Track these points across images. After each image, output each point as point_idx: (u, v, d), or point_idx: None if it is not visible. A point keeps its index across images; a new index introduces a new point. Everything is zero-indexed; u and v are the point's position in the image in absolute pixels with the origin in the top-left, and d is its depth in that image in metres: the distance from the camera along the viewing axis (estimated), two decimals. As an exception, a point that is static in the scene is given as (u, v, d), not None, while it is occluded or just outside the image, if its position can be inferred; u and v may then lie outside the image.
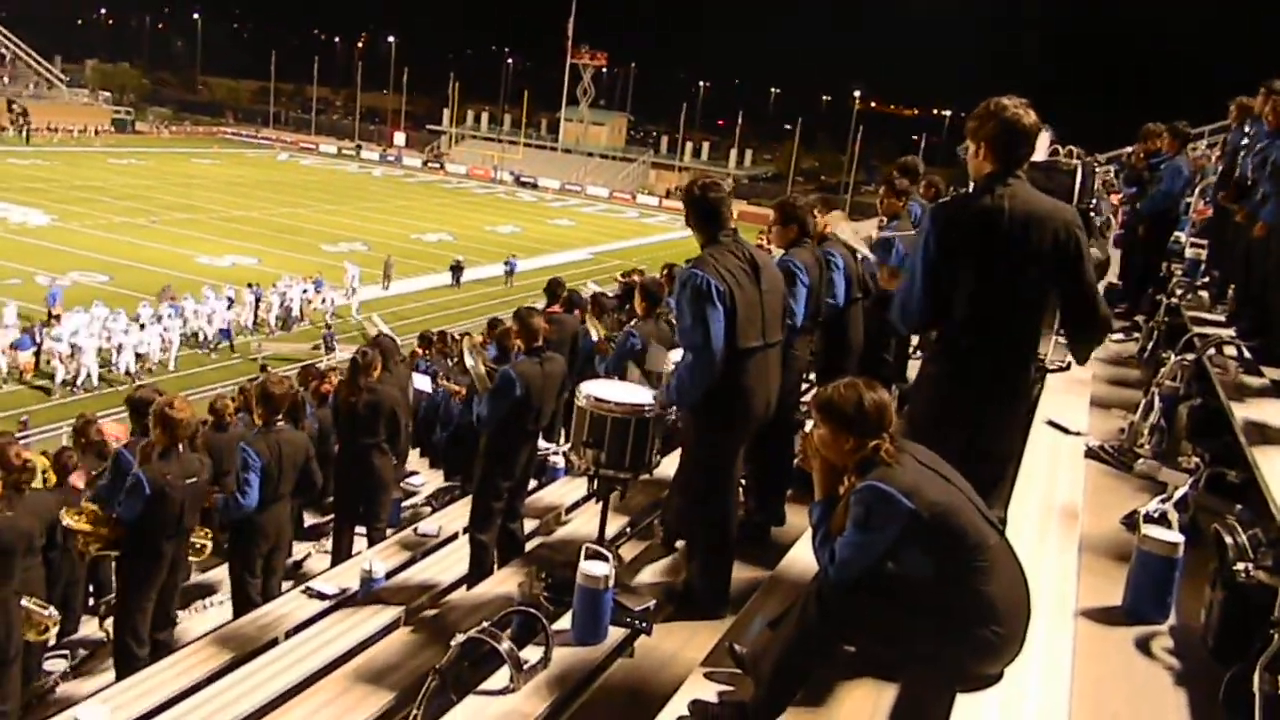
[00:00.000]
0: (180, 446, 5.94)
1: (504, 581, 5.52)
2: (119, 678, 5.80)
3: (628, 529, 6.03)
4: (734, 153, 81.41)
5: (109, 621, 6.87)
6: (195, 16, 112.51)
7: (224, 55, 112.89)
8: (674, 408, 4.54)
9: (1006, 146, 3.40)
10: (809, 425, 3.21)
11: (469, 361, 5.84)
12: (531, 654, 4.05)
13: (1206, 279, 8.55)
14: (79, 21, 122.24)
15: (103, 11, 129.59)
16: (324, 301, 30.95)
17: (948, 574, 2.83)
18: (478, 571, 5.95)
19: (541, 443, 7.26)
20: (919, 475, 2.88)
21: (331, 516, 9.54)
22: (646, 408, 4.56)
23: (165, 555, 5.96)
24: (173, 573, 6.08)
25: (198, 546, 6.41)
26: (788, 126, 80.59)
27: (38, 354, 23.43)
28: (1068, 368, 5.99)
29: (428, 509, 9.12)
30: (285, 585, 7.11)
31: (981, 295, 3.39)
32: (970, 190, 3.55)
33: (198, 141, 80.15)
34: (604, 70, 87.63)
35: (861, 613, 2.95)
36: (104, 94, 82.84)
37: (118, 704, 5.05)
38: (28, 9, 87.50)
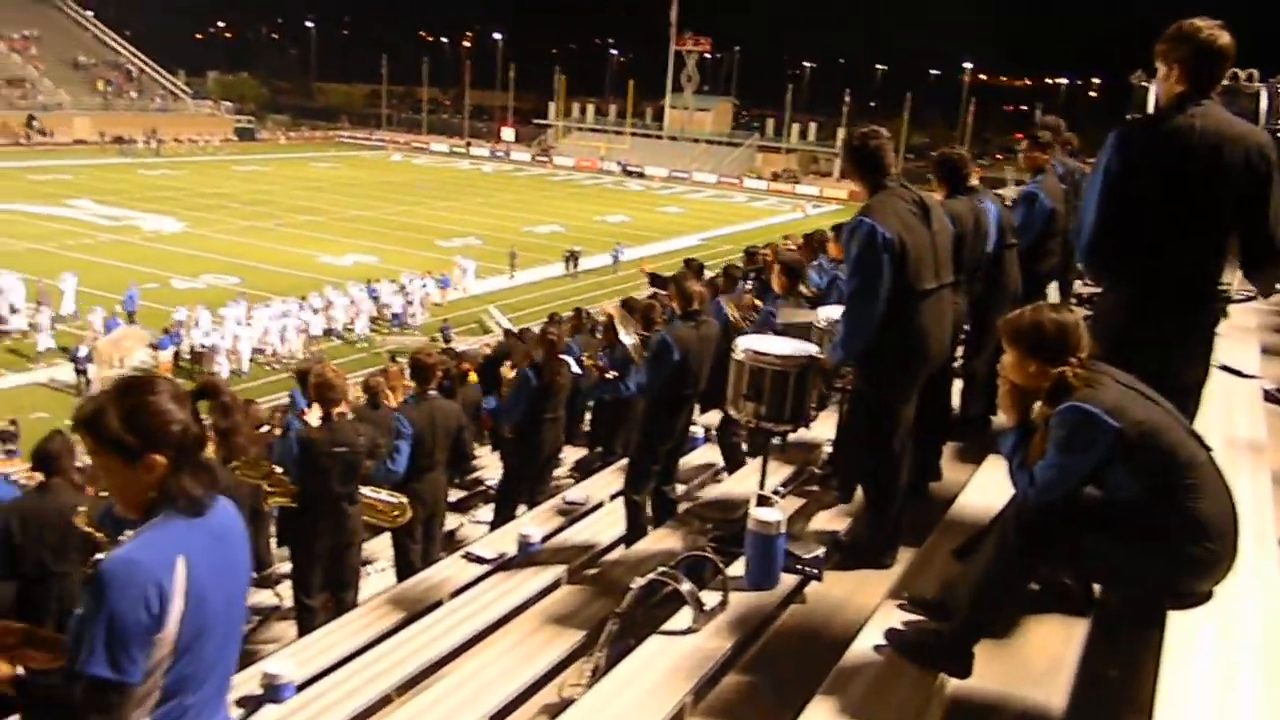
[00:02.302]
0: (336, 415, 6.20)
1: (663, 539, 5.59)
2: (300, 635, 6.08)
3: (782, 485, 6.05)
4: (841, 132, 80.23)
5: (279, 587, 7.24)
6: (309, 24, 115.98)
7: (337, 61, 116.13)
8: (843, 366, 4.53)
9: (1200, 67, 3.32)
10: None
11: (623, 334, 5.93)
12: (709, 598, 4.12)
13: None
14: (198, 36, 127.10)
15: (220, 24, 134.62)
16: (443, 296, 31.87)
17: (1158, 493, 2.78)
18: (634, 530, 6.05)
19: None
20: (1121, 394, 2.84)
21: (472, 492, 9.86)
22: (805, 359, 4.58)
23: (320, 519, 6.25)
24: (339, 536, 6.32)
25: (394, 515, 6.59)
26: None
27: (176, 354, 24.54)
28: (1254, 297, 5.78)
29: (571, 480, 9.29)
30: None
31: (1167, 218, 3.31)
32: (1158, 111, 3.47)
33: (315, 146, 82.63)
34: (708, 56, 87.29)
35: (1064, 536, 2.92)
36: (226, 104, 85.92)
37: (301, 659, 5.27)
38: (152, 26, 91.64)
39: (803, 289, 7.74)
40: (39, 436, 5.85)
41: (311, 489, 6.17)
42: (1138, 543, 2.83)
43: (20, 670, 2.21)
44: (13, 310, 26.37)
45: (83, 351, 22.59)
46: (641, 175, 73.51)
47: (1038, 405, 3.01)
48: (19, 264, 30.32)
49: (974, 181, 5.79)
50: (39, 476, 5.64)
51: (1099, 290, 6.25)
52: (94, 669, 2.01)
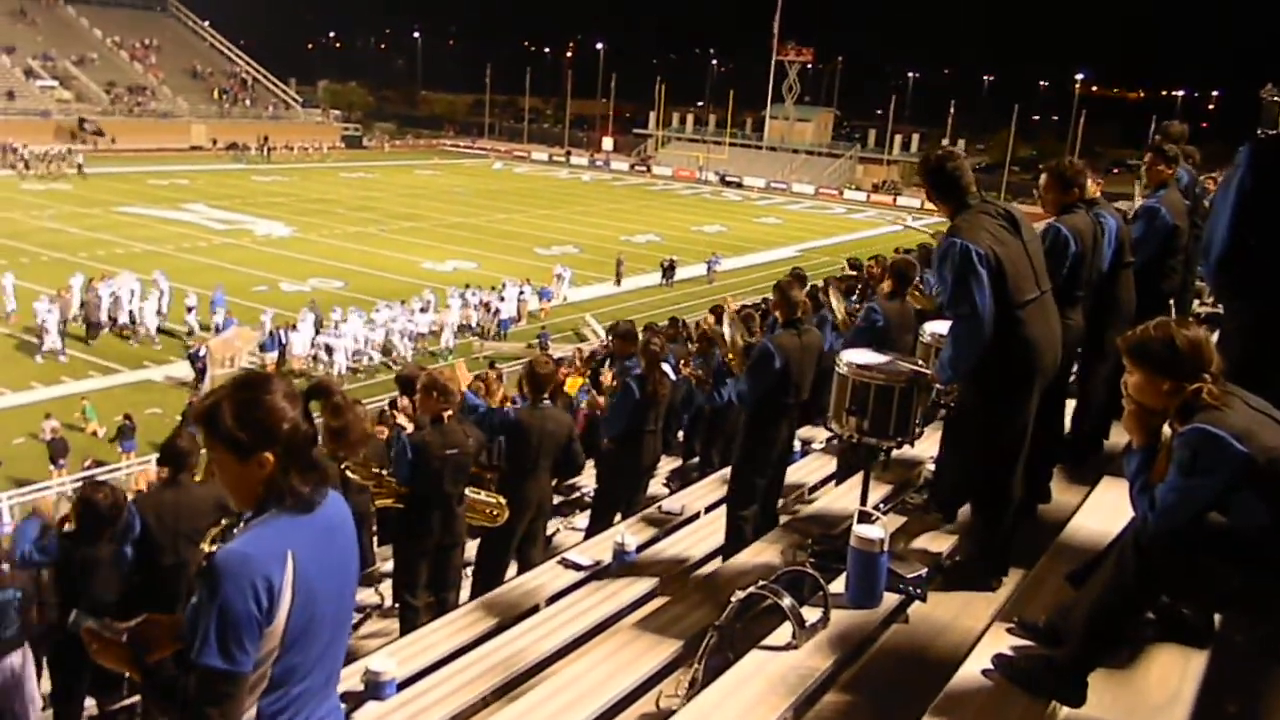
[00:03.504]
0: (446, 417, 6.31)
1: (761, 553, 5.55)
2: (401, 634, 6.19)
3: (882, 502, 5.96)
4: (945, 144, 78.86)
5: (382, 586, 7.38)
6: (415, 35, 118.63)
7: (441, 70, 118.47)
8: (950, 383, 4.45)
9: None
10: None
11: (727, 333, 5.90)
12: (810, 614, 4.08)
13: None
14: (309, 45, 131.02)
15: (331, 34, 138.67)
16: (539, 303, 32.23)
17: (1291, 523, 2.67)
18: (734, 546, 6.01)
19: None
20: (1251, 418, 2.73)
21: (567, 498, 9.93)
22: (910, 374, 4.51)
23: (430, 519, 6.37)
24: (444, 536, 6.43)
25: (492, 514, 6.69)
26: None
27: (281, 356, 25.19)
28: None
29: (665, 490, 9.30)
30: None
31: None
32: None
33: (419, 154, 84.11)
34: (810, 66, 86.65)
35: (1185, 564, 2.82)
36: (334, 112, 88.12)
37: (403, 657, 5.35)
38: (265, 36, 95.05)
39: (913, 297, 7.64)
40: (153, 431, 6.08)
41: (423, 490, 6.30)
42: (1266, 573, 2.72)
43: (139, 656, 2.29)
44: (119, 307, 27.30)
45: (202, 351, 23.40)
46: (740, 185, 73.33)
47: (1166, 427, 2.91)
48: (135, 264, 31.53)
49: (1096, 194, 5.63)
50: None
51: (1217, 310, 6.05)
52: (207, 659, 2.08)
